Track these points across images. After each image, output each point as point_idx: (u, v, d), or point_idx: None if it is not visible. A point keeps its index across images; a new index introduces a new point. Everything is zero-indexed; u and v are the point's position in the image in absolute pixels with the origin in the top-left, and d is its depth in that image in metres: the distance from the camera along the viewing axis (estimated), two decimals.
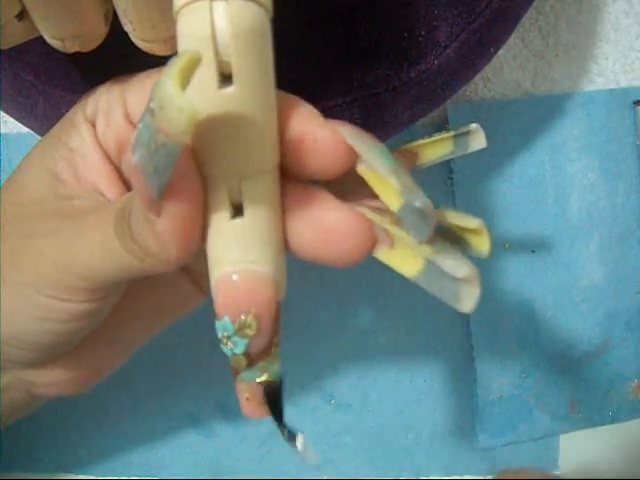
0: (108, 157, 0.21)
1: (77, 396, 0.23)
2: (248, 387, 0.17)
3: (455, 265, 0.16)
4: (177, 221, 0.16)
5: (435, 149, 0.22)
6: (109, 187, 0.21)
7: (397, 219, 0.17)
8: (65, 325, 0.20)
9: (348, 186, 0.19)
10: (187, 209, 0.16)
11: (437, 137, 0.22)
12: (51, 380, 0.22)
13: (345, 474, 0.35)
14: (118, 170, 0.21)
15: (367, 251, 0.18)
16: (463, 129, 0.22)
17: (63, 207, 0.20)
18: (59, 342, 0.21)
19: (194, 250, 0.17)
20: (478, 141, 0.22)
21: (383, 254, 0.18)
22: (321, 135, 0.17)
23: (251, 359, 0.17)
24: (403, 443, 0.35)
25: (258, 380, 0.17)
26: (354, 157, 0.18)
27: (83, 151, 0.21)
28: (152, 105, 0.14)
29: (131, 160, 0.15)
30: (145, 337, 0.24)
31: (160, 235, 0.16)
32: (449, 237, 0.18)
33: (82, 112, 0.21)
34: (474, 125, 0.22)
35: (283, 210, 0.18)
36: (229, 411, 0.34)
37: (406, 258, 0.17)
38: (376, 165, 0.17)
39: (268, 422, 0.34)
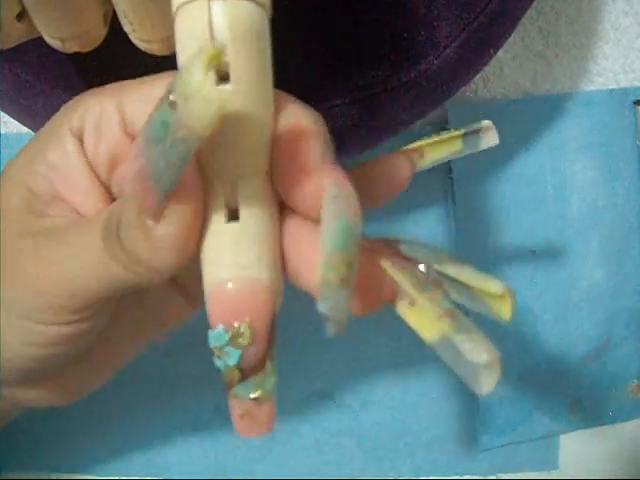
0: (95, 174, 0.19)
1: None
2: (241, 403, 0.17)
3: (474, 349, 0.15)
4: (179, 225, 0.16)
5: (443, 148, 0.21)
6: (88, 205, 0.19)
7: (420, 281, 0.16)
8: (52, 349, 0.19)
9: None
10: (190, 212, 0.16)
11: (446, 136, 0.21)
12: (34, 397, 0.21)
13: (345, 474, 0.35)
14: (104, 188, 0.19)
15: (378, 307, 0.17)
16: (474, 127, 0.21)
17: (40, 224, 0.19)
18: (44, 367, 0.20)
19: (189, 256, 0.16)
20: (490, 138, 0.21)
21: (402, 309, 0.17)
22: (305, 185, 0.16)
23: (244, 373, 0.16)
24: (403, 443, 0.35)
25: (252, 396, 0.16)
26: None
27: (64, 167, 0.19)
28: (172, 97, 0.13)
29: (137, 160, 0.14)
30: (133, 353, 0.23)
31: (158, 241, 0.16)
32: (462, 289, 0.17)
33: (67, 125, 0.19)
34: (486, 122, 0.21)
35: (294, 254, 0.17)
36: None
37: (425, 320, 0.16)
38: (323, 243, 0.15)
39: None
